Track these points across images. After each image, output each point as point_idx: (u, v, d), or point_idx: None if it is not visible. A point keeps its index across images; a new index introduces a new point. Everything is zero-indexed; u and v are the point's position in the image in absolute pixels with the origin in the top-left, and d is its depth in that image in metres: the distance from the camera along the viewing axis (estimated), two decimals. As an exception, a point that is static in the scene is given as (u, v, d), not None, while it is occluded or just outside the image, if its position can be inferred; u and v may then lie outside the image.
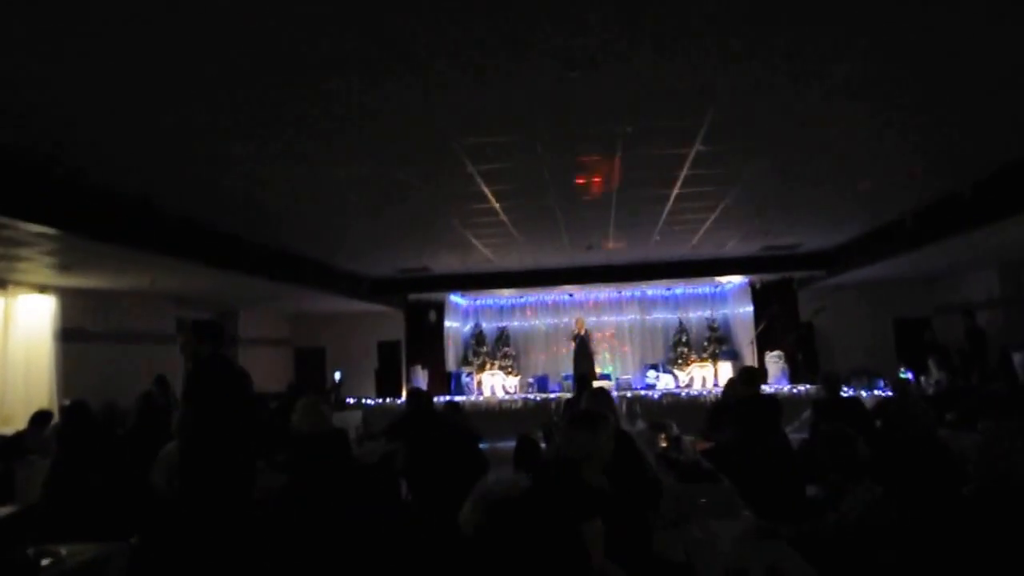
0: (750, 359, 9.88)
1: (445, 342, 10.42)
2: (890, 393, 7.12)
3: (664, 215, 5.88)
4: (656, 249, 7.74)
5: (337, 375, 10.22)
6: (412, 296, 9.89)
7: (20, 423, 5.69)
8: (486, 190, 4.55)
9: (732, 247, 7.78)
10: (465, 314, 11.19)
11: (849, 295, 10.22)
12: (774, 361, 8.98)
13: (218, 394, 3.06)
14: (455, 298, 10.51)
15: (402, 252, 7.22)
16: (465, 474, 4.44)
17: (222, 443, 3.03)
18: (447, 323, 10.43)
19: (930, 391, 7.06)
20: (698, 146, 3.80)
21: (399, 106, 3.06)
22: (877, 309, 10.56)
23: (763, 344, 9.45)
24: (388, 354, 10.39)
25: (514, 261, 7.97)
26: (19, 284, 5.88)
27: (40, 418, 5.23)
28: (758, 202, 5.45)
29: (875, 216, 6.43)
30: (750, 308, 9.90)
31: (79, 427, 4.70)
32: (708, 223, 6.28)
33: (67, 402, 5.87)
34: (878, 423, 4.19)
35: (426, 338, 10.29)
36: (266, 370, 10.22)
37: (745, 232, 6.85)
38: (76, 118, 2.96)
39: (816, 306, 9.54)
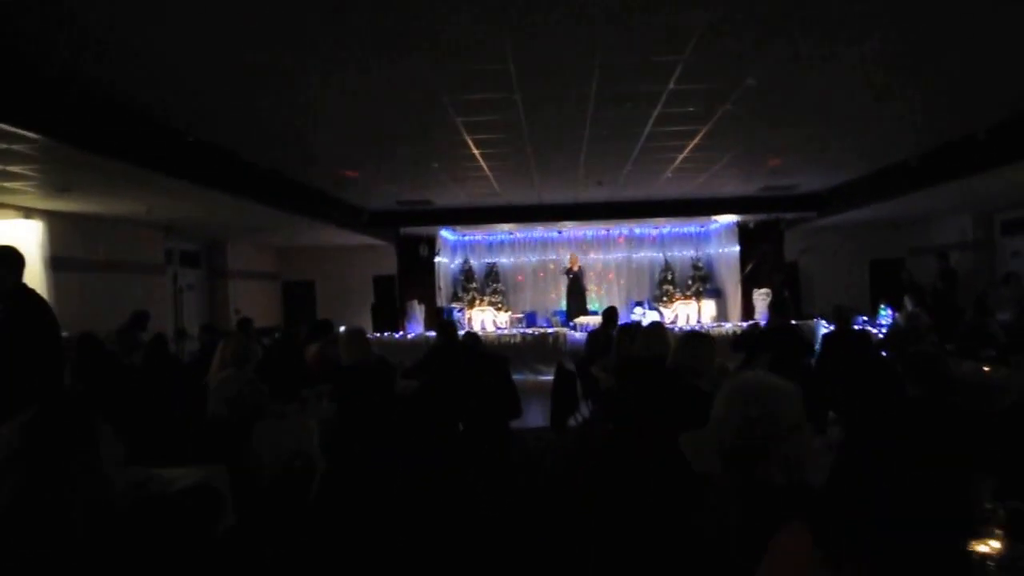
0: (734, 297, 10.41)
1: (436, 278, 10.50)
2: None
3: (680, 158, 5.98)
4: (661, 187, 7.88)
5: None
6: (404, 230, 9.80)
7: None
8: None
9: (732, 187, 8.00)
10: (453, 249, 11.21)
11: (830, 237, 10.81)
12: (762, 298, 9.49)
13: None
14: (445, 233, 10.49)
15: (409, 183, 7.09)
16: (501, 403, 4.68)
17: None
18: (437, 259, 10.47)
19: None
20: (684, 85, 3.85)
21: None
22: (855, 250, 11.21)
23: (750, 282, 9.92)
24: (383, 289, 10.36)
25: (518, 193, 7.95)
26: (3, 207, 5.53)
27: None
28: (758, 146, 5.61)
29: (873, 160, 6.71)
30: (736, 248, 10.29)
31: (94, 359, 4.66)
32: (720, 164, 6.43)
33: (66, 334, 5.72)
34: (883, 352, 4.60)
35: (418, 273, 10.32)
36: (255, 302, 10.09)
37: (748, 172, 7.04)
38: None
39: (803, 246, 10.02)
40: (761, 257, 9.88)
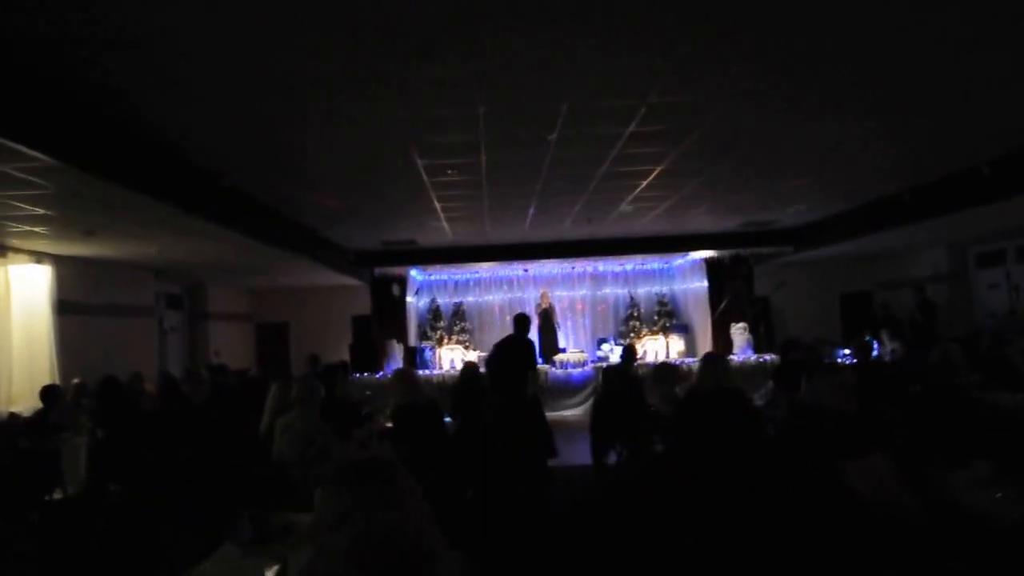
0: (703, 332, 11.62)
1: (408, 317, 11.43)
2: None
3: (664, 201, 7.14)
4: (638, 225, 9.10)
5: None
6: (378, 270, 10.74)
7: (27, 402, 6.16)
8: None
9: (709, 224, 9.29)
10: (420, 289, 12.11)
11: (800, 271, 12.22)
12: (739, 332, 10.71)
13: None
14: (413, 273, 11.43)
15: (393, 224, 8.12)
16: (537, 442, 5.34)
17: None
18: (408, 298, 11.39)
19: (887, 359, 8.79)
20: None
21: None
22: (824, 284, 12.64)
23: (726, 317, 11.18)
24: (359, 329, 11.11)
25: (502, 232, 9.04)
26: (17, 252, 6.29)
27: (51, 393, 5.71)
28: (740, 180, 6.79)
29: (851, 197, 7.94)
30: (704, 283, 11.55)
31: (115, 404, 5.34)
32: (696, 202, 7.69)
33: (76, 380, 6.40)
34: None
35: (392, 313, 11.18)
36: (231, 344, 10.79)
37: (732, 207, 8.28)
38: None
39: (777, 281, 11.38)
40: (735, 293, 11.14)
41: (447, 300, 12.25)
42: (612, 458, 5.81)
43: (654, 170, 6.17)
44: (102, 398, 5.21)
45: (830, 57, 3.73)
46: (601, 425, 6.04)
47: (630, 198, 7.39)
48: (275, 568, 2.16)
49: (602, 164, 5.88)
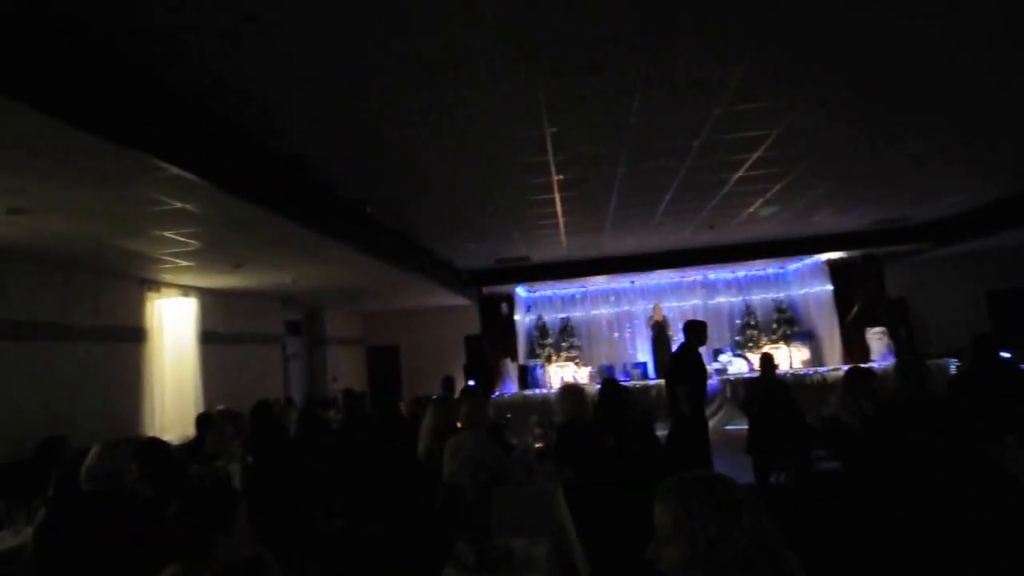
0: (830, 339, 10.72)
1: (517, 335, 11.29)
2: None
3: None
4: (753, 229, 8.55)
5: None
6: (487, 289, 10.67)
7: (176, 430, 6.38)
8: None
9: (839, 223, 8.59)
10: (527, 307, 11.98)
11: (939, 269, 11.06)
12: (877, 338, 9.79)
13: None
14: (519, 291, 11.32)
15: (508, 240, 7.99)
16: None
17: None
18: (516, 317, 11.29)
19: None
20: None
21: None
22: (968, 281, 11.38)
23: (858, 323, 10.26)
24: (471, 349, 11.09)
25: (611, 245, 8.74)
26: (169, 286, 6.59)
27: (206, 421, 5.89)
28: (879, 174, 6.25)
29: (1000, 185, 7.17)
30: (828, 287, 10.73)
31: (266, 429, 5.39)
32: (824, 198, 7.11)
33: (220, 407, 6.60)
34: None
35: (501, 331, 11.10)
36: (346, 368, 11.00)
37: (866, 206, 7.64)
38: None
39: (915, 281, 10.37)
40: (868, 295, 10.25)
41: (554, 316, 12.01)
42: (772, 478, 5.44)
43: (791, 171, 5.79)
44: (255, 423, 5.27)
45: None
46: (761, 443, 5.59)
47: (760, 201, 6.93)
48: None
49: (738, 169, 5.61)
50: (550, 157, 4.90)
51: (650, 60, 3.43)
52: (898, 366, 4.26)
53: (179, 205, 3.98)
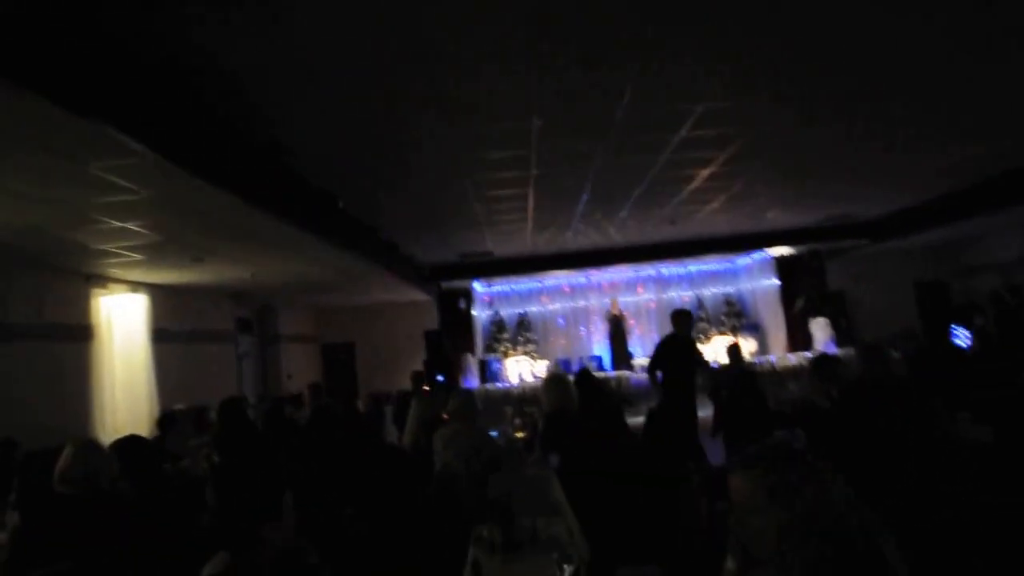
0: (775, 331, 11.29)
1: (475, 330, 11.27)
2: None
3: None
4: (713, 225, 8.86)
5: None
6: (445, 284, 10.58)
7: (129, 431, 6.00)
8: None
9: (791, 219, 9.02)
10: (484, 302, 12.00)
11: (873, 263, 11.81)
12: (821, 328, 10.36)
13: None
14: (477, 286, 11.32)
15: (471, 236, 7.95)
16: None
17: None
18: (472, 311, 11.27)
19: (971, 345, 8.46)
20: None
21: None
22: (899, 274, 12.20)
23: (805, 314, 10.83)
24: (432, 344, 10.96)
25: (591, 239, 8.85)
26: (117, 282, 6.18)
27: (169, 420, 5.59)
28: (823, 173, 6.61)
29: (933, 187, 7.73)
30: (774, 281, 11.28)
31: (238, 427, 5.16)
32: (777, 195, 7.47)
33: (180, 407, 6.26)
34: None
35: (460, 327, 11.04)
36: (301, 366, 10.65)
37: (817, 203, 8.05)
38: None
39: (855, 273, 11.06)
40: (812, 288, 10.83)
41: (511, 311, 12.09)
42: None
43: (753, 169, 6.07)
44: (225, 421, 5.02)
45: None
46: (732, 427, 5.79)
47: (724, 198, 7.20)
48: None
49: (708, 166, 5.81)
50: (532, 151, 4.89)
51: (647, 54, 3.44)
52: (861, 351, 4.62)
53: (144, 194, 3.72)
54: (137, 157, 3.11)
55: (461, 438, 3.65)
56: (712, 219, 8.47)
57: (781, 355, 10.57)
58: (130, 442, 2.92)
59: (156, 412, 6.31)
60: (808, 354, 9.92)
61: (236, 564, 1.52)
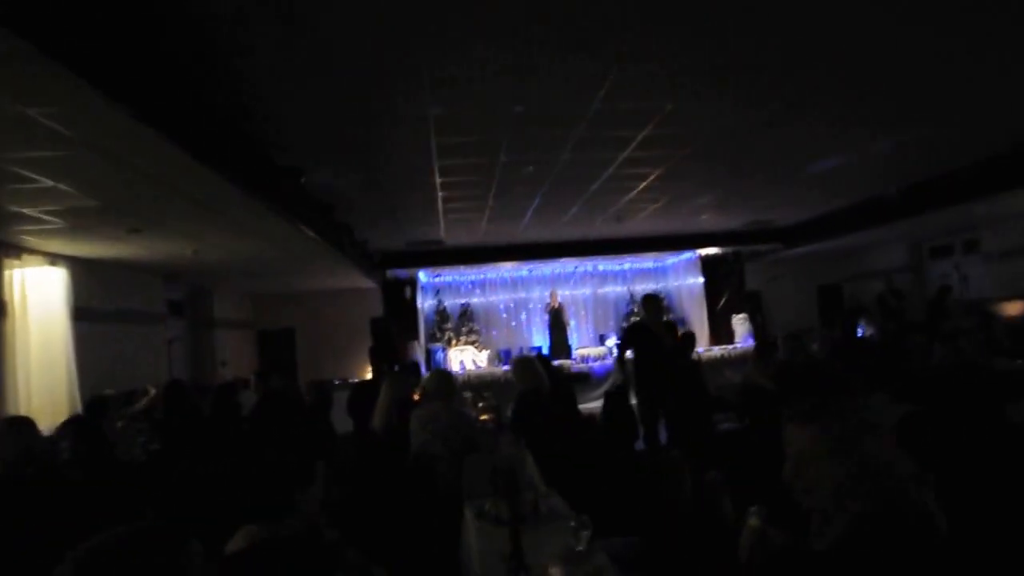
0: (699, 325, 11.77)
1: (419, 319, 10.93)
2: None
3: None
4: (653, 224, 9.03)
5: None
6: (390, 272, 10.19)
7: (46, 417, 5.24)
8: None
9: (720, 222, 9.34)
10: (426, 292, 11.73)
11: (784, 266, 12.61)
12: (741, 323, 10.85)
13: None
14: (421, 275, 11.04)
15: (425, 223, 7.63)
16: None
17: None
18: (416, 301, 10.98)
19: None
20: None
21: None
22: (804, 277, 13.10)
23: (727, 311, 11.35)
24: (378, 332, 10.49)
25: (542, 231, 8.71)
26: (32, 253, 5.34)
27: (101, 406, 4.94)
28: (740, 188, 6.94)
29: (839, 198, 8.26)
30: (699, 279, 11.77)
31: (182, 413, 4.64)
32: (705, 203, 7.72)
33: (110, 392, 5.55)
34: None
35: (405, 316, 10.67)
36: (235, 353, 9.85)
37: (735, 210, 8.38)
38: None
39: (772, 275, 11.70)
40: (737, 287, 11.37)
41: (454, 302, 11.82)
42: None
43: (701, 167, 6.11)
44: (169, 406, 4.50)
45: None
46: (675, 412, 5.85)
47: (663, 201, 7.32)
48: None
49: (662, 165, 5.83)
50: (505, 138, 4.67)
51: (632, 41, 3.34)
52: (784, 340, 5.20)
53: (82, 146, 3.13)
54: (75, 95, 2.46)
55: (442, 418, 3.52)
56: (653, 219, 8.62)
57: (706, 348, 10.98)
58: (86, 423, 2.47)
59: (77, 396, 5.55)
60: (731, 347, 10.37)
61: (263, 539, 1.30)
